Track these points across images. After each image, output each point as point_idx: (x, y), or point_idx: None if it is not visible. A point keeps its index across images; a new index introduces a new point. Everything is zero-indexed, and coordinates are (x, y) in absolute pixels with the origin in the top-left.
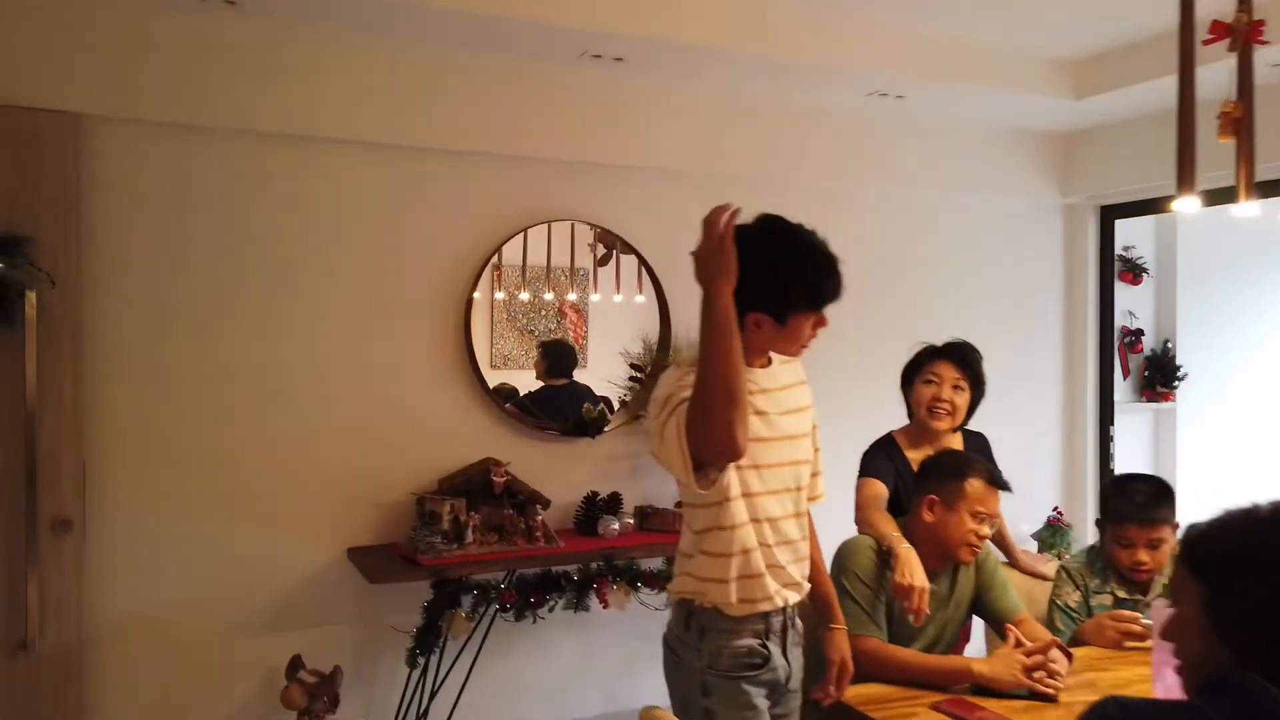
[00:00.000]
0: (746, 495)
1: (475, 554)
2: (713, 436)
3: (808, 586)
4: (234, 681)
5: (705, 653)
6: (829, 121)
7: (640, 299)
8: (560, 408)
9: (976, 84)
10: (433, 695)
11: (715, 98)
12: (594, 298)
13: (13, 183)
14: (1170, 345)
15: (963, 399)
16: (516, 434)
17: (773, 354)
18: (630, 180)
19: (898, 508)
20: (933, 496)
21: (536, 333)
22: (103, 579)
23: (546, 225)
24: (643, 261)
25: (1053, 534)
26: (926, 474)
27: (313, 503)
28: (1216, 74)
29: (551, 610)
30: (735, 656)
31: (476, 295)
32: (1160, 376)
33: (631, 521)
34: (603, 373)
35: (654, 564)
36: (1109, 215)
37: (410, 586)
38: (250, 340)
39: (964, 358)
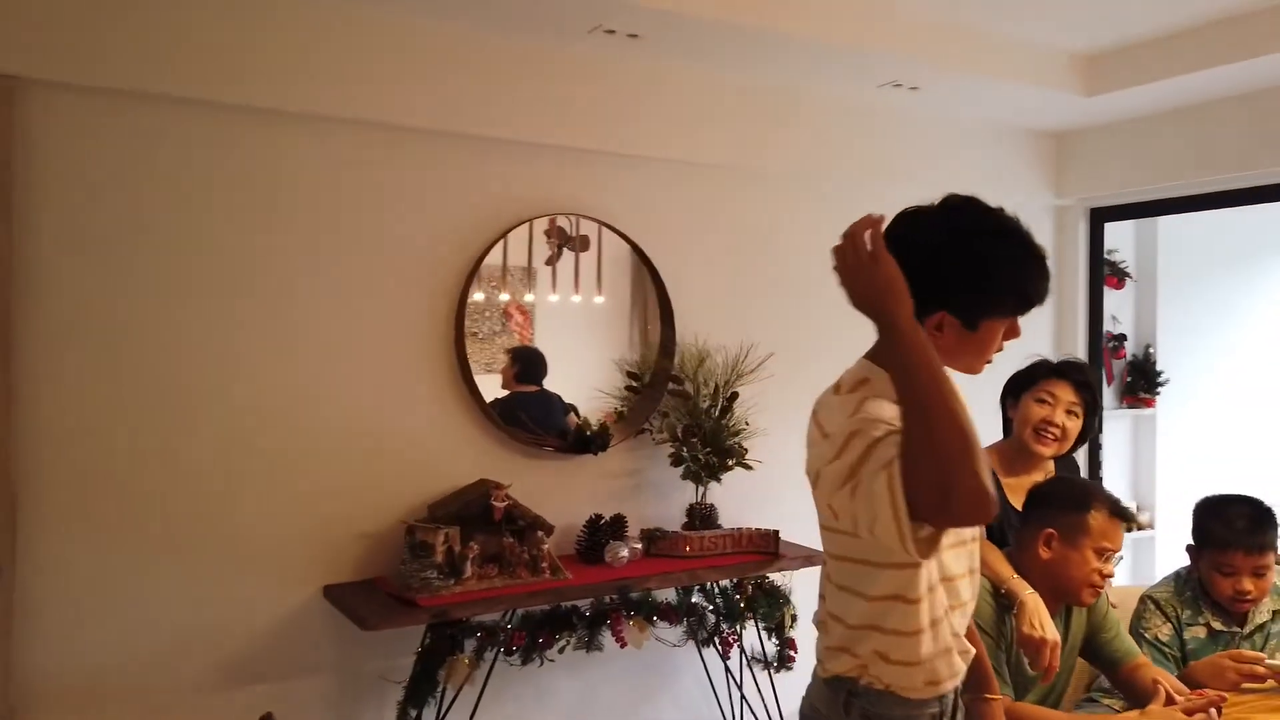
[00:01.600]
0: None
1: (477, 590)
2: (960, 491)
3: (973, 652)
4: None
5: None
6: (836, 115)
7: (599, 300)
8: (536, 417)
9: (992, 76)
10: None
11: (725, 84)
12: (550, 298)
13: None
14: (1152, 350)
15: (1074, 425)
16: (506, 450)
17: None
18: (632, 171)
19: (993, 539)
20: (1050, 530)
21: (480, 335)
22: (37, 633)
23: (546, 219)
24: (643, 258)
25: None
26: (1041, 504)
27: (283, 535)
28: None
29: (562, 651)
30: None
31: (477, 297)
32: (1143, 382)
33: (639, 547)
34: (561, 381)
35: (667, 594)
36: (1099, 218)
37: (399, 629)
38: (211, 347)
39: (1085, 380)
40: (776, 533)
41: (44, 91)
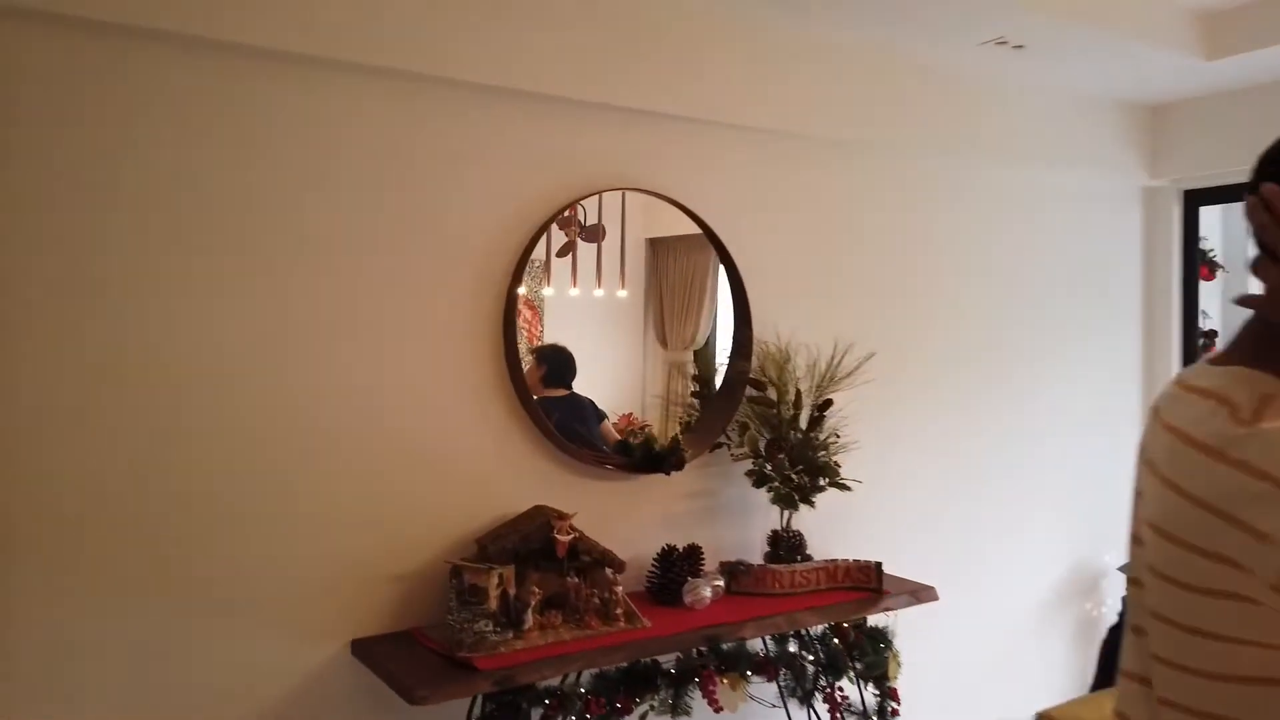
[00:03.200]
0: None
1: (543, 646)
2: None
3: None
4: None
5: None
6: (925, 79)
7: (622, 294)
8: (566, 426)
9: (1109, 34)
10: None
11: (807, 43)
12: (546, 291)
13: None
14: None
15: None
16: (560, 469)
17: None
18: (694, 138)
19: None
20: None
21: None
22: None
23: (596, 197)
24: (719, 247)
25: None
26: None
27: (298, 576)
28: None
29: (644, 717)
30: None
31: (522, 290)
32: None
33: (720, 584)
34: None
35: (754, 642)
36: (1193, 201)
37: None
38: (209, 343)
39: None
40: (879, 565)
41: (8, 22)
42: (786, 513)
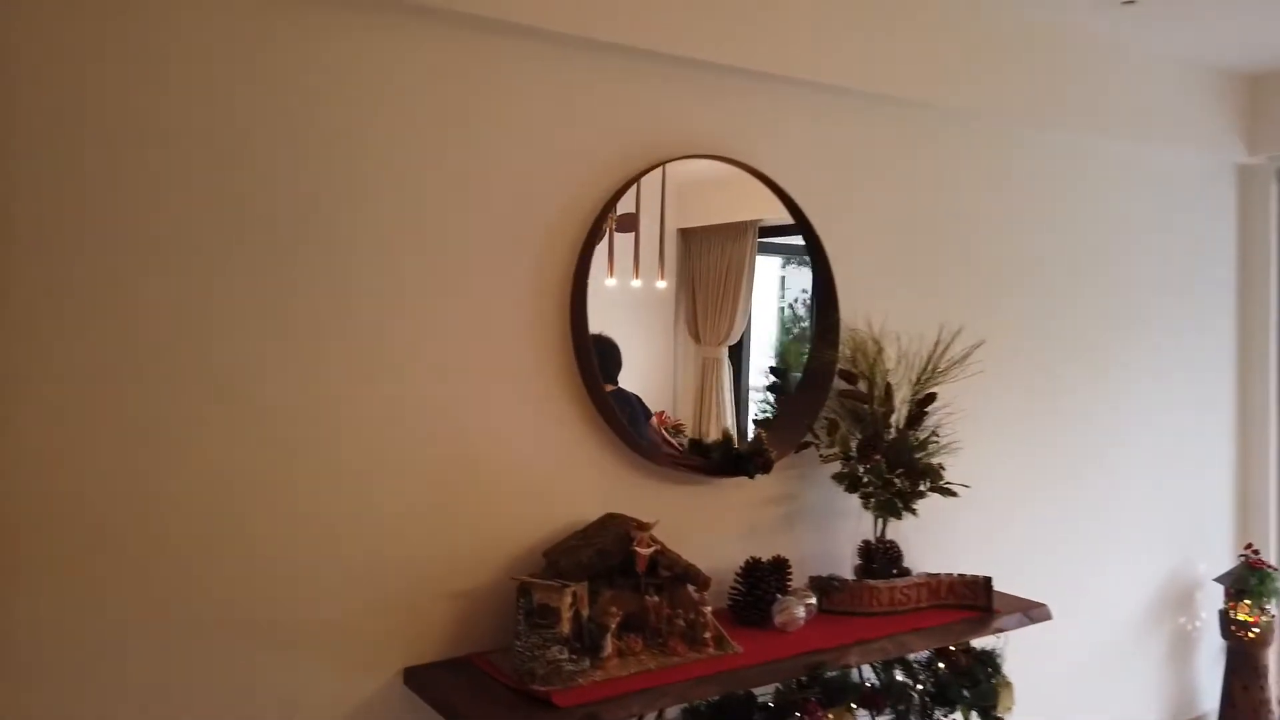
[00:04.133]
0: None
1: (625, 676)
2: None
3: None
4: None
5: None
6: (1031, 44)
7: (661, 284)
8: None
9: None
10: None
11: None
12: (608, 282)
13: None
14: None
15: None
16: (631, 471)
17: None
18: (767, 97)
19: None
20: None
21: None
22: None
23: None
24: (801, 221)
25: (1260, 581)
26: None
27: (342, 599)
28: None
29: None
30: None
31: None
32: None
33: (813, 602)
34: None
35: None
36: None
37: None
38: (233, 328)
39: None
40: (988, 581)
41: None
42: (880, 520)
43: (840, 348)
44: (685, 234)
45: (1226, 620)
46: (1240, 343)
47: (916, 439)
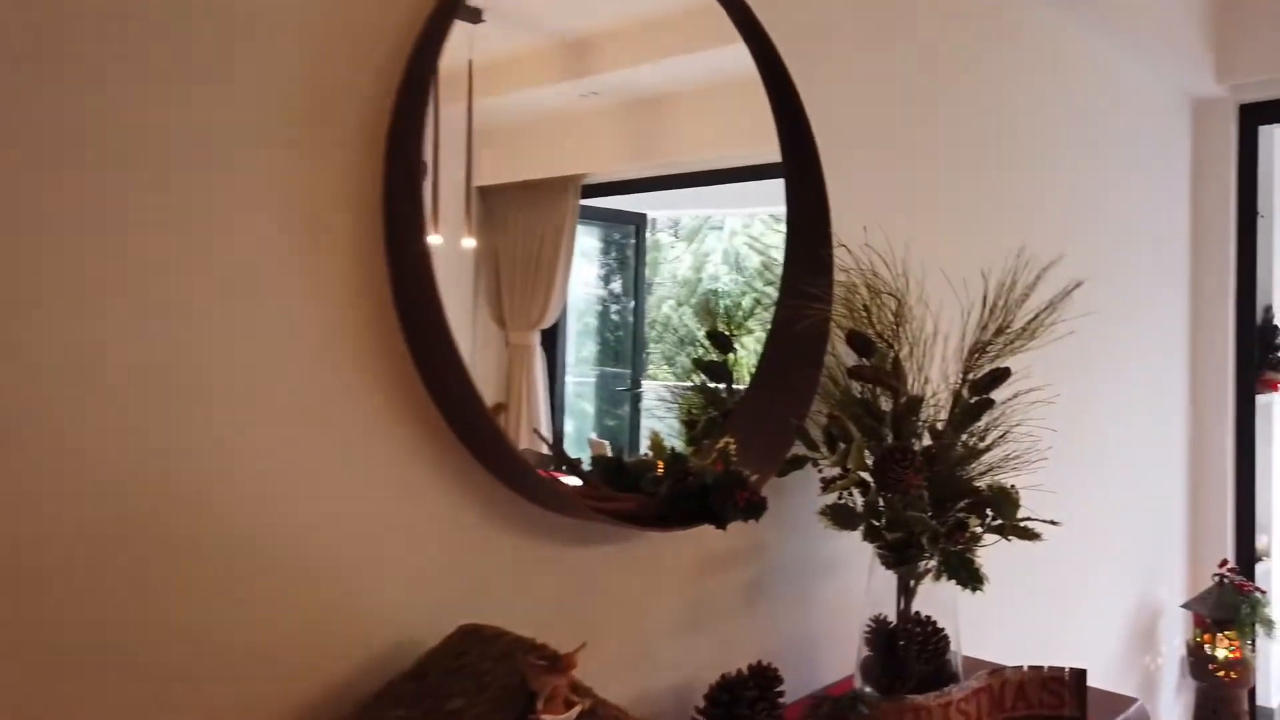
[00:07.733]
0: None
1: None
2: None
3: None
4: None
5: None
6: None
7: (469, 243)
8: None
9: None
10: None
11: None
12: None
13: None
14: (1271, 312)
15: None
16: (506, 529)
17: None
18: None
19: None
20: None
21: None
22: None
23: None
24: (778, 81)
25: (1251, 608)
26: None
27: None
28: None
29: None
30: None
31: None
32: (1264, 355)
33: None
34: None
35: None
36: (1251, 118)
37: None
38: None
39: None
40: (1081, 675)
41: None
42: (905, 587)
43: (833, 300)
44: (486, 193)
45: (1200, 657)
46: (1191, 322)
47: (975, 444)
